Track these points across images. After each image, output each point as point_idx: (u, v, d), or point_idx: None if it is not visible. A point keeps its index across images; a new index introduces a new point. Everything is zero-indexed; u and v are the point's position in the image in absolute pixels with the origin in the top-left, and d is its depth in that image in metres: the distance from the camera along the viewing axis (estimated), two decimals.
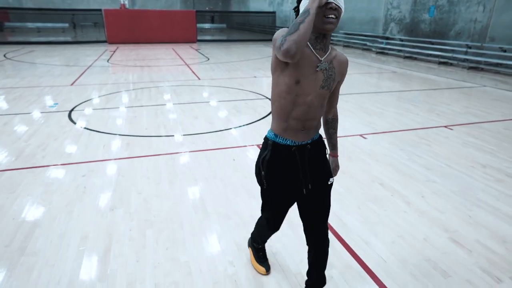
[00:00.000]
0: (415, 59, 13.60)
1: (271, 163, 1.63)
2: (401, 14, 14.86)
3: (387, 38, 15.64)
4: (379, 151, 4.15)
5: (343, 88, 7.68)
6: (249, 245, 2.27)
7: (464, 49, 11.71)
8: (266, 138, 1.67)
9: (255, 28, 28.39)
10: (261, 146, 1.80)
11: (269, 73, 9.70)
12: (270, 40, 21.61)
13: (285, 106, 1.52)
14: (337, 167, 1.87)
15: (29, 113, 5.45)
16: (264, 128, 4.88)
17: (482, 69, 10.96)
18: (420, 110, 6.04)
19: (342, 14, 1.45)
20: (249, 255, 2.29)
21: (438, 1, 13.01)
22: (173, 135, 4.58)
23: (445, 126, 5.12)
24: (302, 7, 1.47)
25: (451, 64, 12.11)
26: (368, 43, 15.97)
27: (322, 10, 1.39)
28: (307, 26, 1.29)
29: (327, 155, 1.78)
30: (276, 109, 1.57)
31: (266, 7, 30.35)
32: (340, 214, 2.80)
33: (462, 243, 2.46)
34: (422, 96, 7.12)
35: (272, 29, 23.88)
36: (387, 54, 14.98)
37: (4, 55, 12.49)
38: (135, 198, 3.00)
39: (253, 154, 4.01)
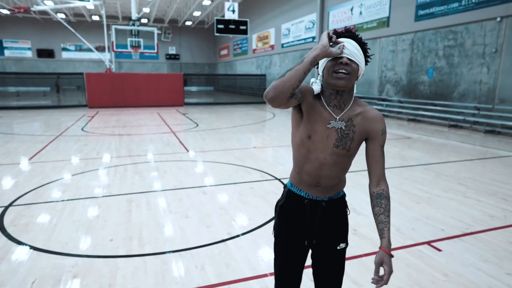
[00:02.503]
0: (419, 121, 12.78)
1: (283, 209, 1.58)
2: (397, 76, 14.39)
3: (384, 100, 15.02)
4: (472, 277, 2.65)
5: (361, 164, 6.27)
6: None
7: (473, 111, 10.95)
8: (285, 185, 1.63)
9: (243, 90, 28.08)
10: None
11: (269, 142, 8.55)
12: (261, 103, 21.22)
13: (298, 159, 1.50)
14: (386, 265, 1.31)
15: None
16: None
17: (499, 133, 10.04)
18: (477, 192, 4.69)
19: (362, 71, 1.37)
20: None
21: (436, 63, 12.56)
22: (151, 254, 3.00)
23: None
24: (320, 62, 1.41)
25: (461, 127, 11.24)
26: None
27: (333, 64, 1.34)
28: (293, 73, 1.25)
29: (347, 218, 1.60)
30: (293, 159, 1.55)
31: (253, 70, 30.52)
32: None
33: None
34: (462, 171, 5.84)
35: (262, 91, 23.43)
36: (387, 116, 14.20)
37: None
38: None
39: None
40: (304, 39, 21.55)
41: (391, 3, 14.43)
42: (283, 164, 6.24)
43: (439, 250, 3.10)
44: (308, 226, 1.54)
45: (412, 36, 13.49)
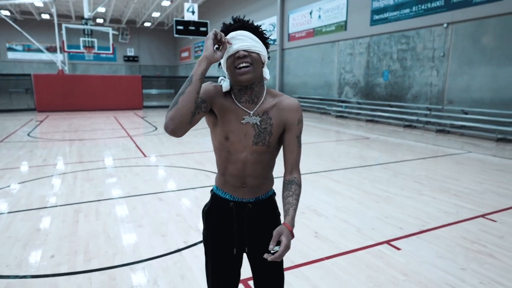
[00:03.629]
0: (377, 122, 13.22)
1: (209, 215, 1.49)
2: (355, 78, 14.83)
3: (343, 102, 15.40)
4: (430, 275, 2.67)
5: (326, 165, 6.30)
6: None
7: (425, 112, 11.51)
8: (212, 189, 1.53)
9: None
10: None
11: None
12: None
13: (220, 162, 1.44)
14: (284, 236, 1.20)
15: None
16: None
17: (448, 132, 10.60)
18: (431, 190, 4.84)
19: (264, 57, 1.31)
20: None
21: (391, 66, 13.08)
22: (97, 269, 2.73)
23: (483, 216, 3.88)
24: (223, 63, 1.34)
25: (415, 127, 11.75)
26: (326, 107, 15.56)
27: (232, 61, 1.29)
28: (186, 97, 1.18)
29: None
30: (216, 161, 1.47)
31: (215, 72, 30.24)
32: None
33: None
34: (417, 169, 6.03)
35: None
36: (346, 117, 14.56)
37: None
38: None
39: None
40: None
41: (348, 7, 14.85)
42: None
43: (398, 249, 3.11)
44: (237, 231, 1.45)
45: (368, 39, 13.96)
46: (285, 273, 2.70)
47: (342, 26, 15.18)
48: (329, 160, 6.69)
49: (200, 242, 3.22)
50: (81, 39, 19.11)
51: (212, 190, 1.53)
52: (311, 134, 10.08)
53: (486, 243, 3.23)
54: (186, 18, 17.85)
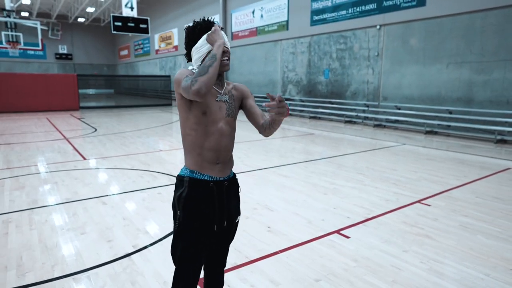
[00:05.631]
0: (320, 118, 13.75)
1: (188, 199, 1.59)
2: (298, 76, 15.28)
3: (288, 99, 15.79)
4: (377, 259, 2.82)
5: (274, 161, 6.42)
6: None
7: (363, 108, 12.23)
8: (180, 177, 1.65)
9: (147, 93, 26.65)
10: (174, 187, 1.68)
11: (177, 145, 8.13)
12: (166, 105, 20.39)
13: (197, 137, 1.60)
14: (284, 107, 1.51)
15: None
16: None
17: (384, 126, 11.38)
18: (373, 180, 5.14)
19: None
20: None
21: (331, 64, 13.69)
22: (33, 284, 2.46)
23: (419, 201, 4.20)
24: (195, 53, 1.67)
25: (355, 123, 12.43)
26: None
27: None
28: (215, 69, 1.50)
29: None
30: (189, 143, 1.63)
31: (157, 72, 29.23)
32: None
33: None
34: (359, 162, 6.37)
35: (168, 93, 22.55)
36: (290, 115, 14.95)
37: None
38: None
39: None
40: None
41: (289, 8, 15.23)
42: None
43: (348, 237, 3.24)
44: (218, 209, 1.63)
45: (309, 39, 14.46)
46: (240, 269, 2.68)
47: (284, 26, 15.54)
48: (277, 156, 6.81)
49: (151, 244, 3.06)
50: (3, 33, 17.30)
51: (183, 176, 1.63)
52: (257, 131, 10.17)
53: (423, 225, 3.50)
54: (124, 14, 17.02)
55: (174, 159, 6.57)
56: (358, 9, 12.29)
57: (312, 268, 2.69)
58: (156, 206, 4.01)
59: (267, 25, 16.56)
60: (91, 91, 30.80)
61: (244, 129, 10.83)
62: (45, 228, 3.39)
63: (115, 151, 7.16)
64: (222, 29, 1.68)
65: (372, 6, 11.82)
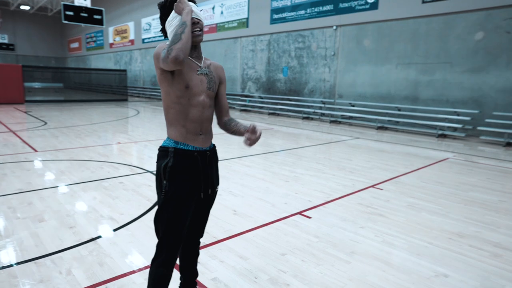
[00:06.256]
0: (278, 115, 14.07)
1: (173, 168, 1.66)
2: (257, 73, 15.50)
3: (247, 96, 15.96)
4: (337, 234, 3.04)
5: (236, 152, 6.55)
6: None
7: (320, 105, 12.72)
8: (164, 147, 1.71)
9: (100, 88, 25.47)
10: (157, 158, 1.74)
11: (136, 138, 7.93)
12: (122, 100, 19.65)
13: (181, 110, 1.67)
14: (256, 128, 1.67)
15: None
16: None
17: (340, 122, 11.93)
18: (330, 168, 5.42)
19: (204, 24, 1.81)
20: None
21: (289, 62, 14.06)
22: None
23: (373, 186, 4.53)
24: (168, 27, 1.69)
25: (312, 119, 12.89)
26: (230, 101, 15.89)
27: None
28: (188, 35, 1.53)
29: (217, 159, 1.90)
30: (173, 115, 1.69)
31: (111, 66, 28.06)
32: None
33: None
34: (317, 153, 6.67)
35: (124, 89, 21.73)
36: (250, 111, 15.13)
37: None
38: None
39: None
40: None
41: (249, 5, 15.40)
42: (154, 157, 5.89)
43: (309, 217, 3.44)
44: (203, 176, 1.75)
45: (269, 37, 14.73)
46: (209, 248, 2.76)
47: (244, 23, 15.68)
48: (238, 148, 6.92)
49: (115, 229, 3.04)
50: None
51: (168, 147, 1.69)
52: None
53: (377, 206, 3.80)
54: (76, 3, 16.17)
55: (134, 151, 6.44)
56: (316, 10, 12.74)
57: (277, 244, 2.84)
58: (119, 194, 3.94)
59: (227, 21, 16.60)
60: (36, 84, 28.85)
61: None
62: None
63: (70, 143, 6.85)
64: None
65: (329, 7, 12.33)
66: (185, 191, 1.68)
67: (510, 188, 4.65)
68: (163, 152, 1.70)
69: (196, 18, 1.66)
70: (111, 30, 27.29)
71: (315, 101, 13.07)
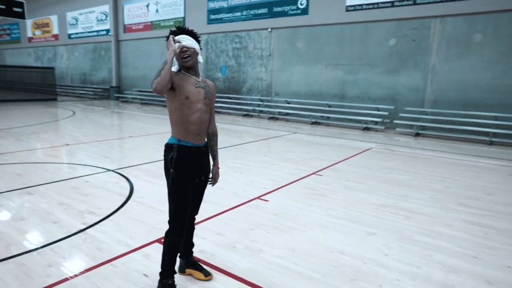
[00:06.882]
0: (219, 113, 14.55)
1: (178, 160, 2.18)
2: None
3: None
4: (291, 212, 3.74)
5: None
6: None
7: (258, 103, 13.53)
8: (169, 144, 2.22)
9: (21, 86, 23.28)
10: (164, 152, 2.25)
11: (83, 139, 7.83)
12: (51, 99, 18.33)
13: (183, 117, 2.16)
14: (217, 175, 2.46)
15: None
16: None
17: (277, 119, 12.87)
18: (277, 160, 6.16)
19: (198, 49, 2.22)
20: None
21: (227, 62, 14.63)
22: None
23: (314, 173, 5.35)
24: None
25: (252, 116, 13.64)
26: None
27: (180, 54, 2.15)
28: (165, 72, 1.98)
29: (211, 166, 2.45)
30: (177, 119, 2.19)
31: (32, 63, 25.82)
32: None
33: None
34: (263, 147, 7.39)
35: (51, 87, 20.26)
36: None
37: None
38: None
39: None
40: (97, 31, 20.12)
41: (185, 4, 15.58)
42: (109, 156, 6.06)
43: (267, 201, 4.10)
44: (199, 166, 2.26)
45: (206, 37, 15.10)
46: None
47: (181, 22, 15.82)
48: None
49: (99, 221, 3.36)
50: None
51: (172, 144, 2.20)
52: (161, 124, 10.41)
53: (320, 189, 4.60)
54: None
55: (86, 152, 6.48)
56: (252, 12, 13.47)
57: (245, 222, 3.44)
58: (90, 192, 4.18)
59: (163, 20, 16.56)
60: None
61: (153, 123, 10.96)
62: None
63: (13, 147, 6.61)
64: (185, 32, 2.21)
65: (264, 10, 13.14)
66: (186, 177, 2.19)
67: (419, 169, 5.84)
68: (169, 148, 2.21)
69: (186, 48, 2.14)
70: (29, 22, 25.07)
71: (254, 99, 13.84)
